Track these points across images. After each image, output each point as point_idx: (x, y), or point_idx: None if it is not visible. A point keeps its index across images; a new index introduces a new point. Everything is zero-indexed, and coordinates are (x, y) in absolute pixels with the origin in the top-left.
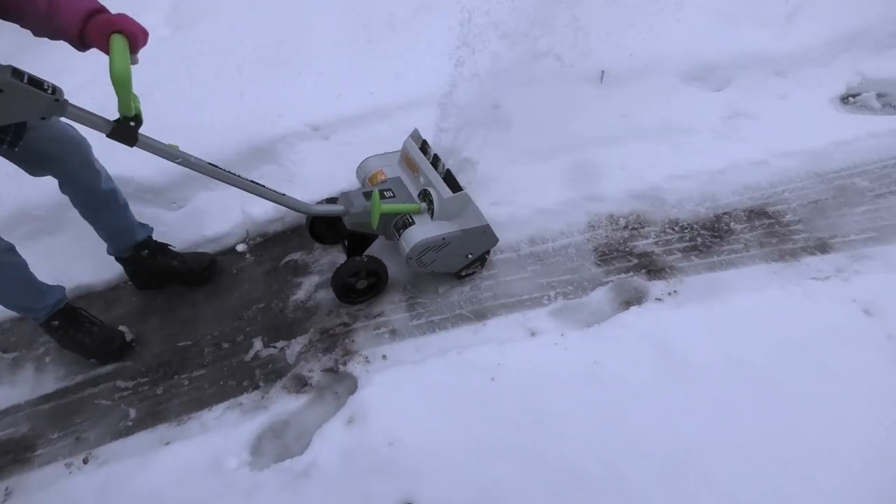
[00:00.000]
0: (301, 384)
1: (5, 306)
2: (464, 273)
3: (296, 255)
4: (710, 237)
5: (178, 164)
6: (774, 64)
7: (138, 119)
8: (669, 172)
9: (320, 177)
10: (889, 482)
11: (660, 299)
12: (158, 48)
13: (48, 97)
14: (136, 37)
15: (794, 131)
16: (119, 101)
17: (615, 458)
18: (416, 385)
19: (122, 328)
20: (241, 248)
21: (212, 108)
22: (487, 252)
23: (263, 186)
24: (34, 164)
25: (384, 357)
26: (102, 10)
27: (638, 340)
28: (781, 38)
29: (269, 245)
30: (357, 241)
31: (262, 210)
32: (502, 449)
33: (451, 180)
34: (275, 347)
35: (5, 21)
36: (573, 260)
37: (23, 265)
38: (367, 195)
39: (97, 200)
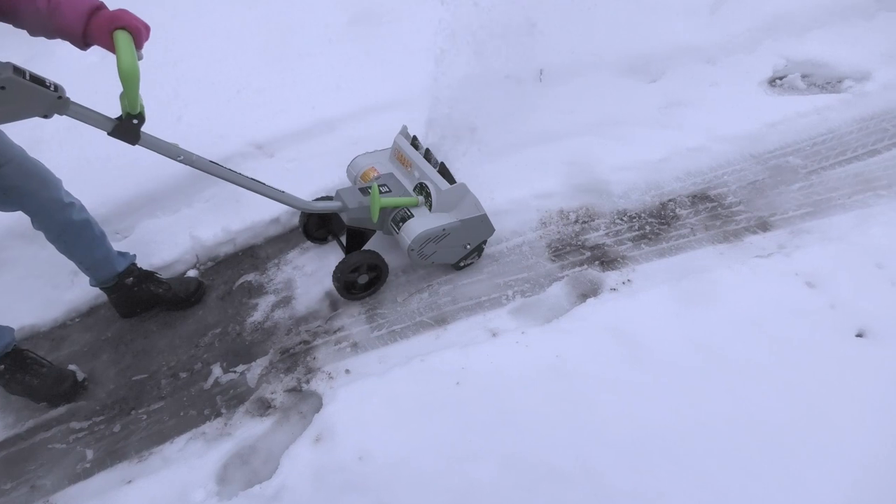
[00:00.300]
0: (265, 407)
1: None
2: (462, 264)
3: (249, 277)
4: (657, 224)
5: (180, 161)
6: (704, 53)
7: (142, 117)
8: (614, 164)
9: None
10: (842, 443)
11: (615, 289)
12: (87, 75)
13: (51, 94)
14: (139, 31)
15: (728, 116)
16: (127, 98)
17: (585, 449)
18: (381, 397)
19: (71, 367)
20: (192, 273)
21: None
22: (484, 242)
23: (263, 183)
24: (3, 199)
25: (347, 371)
26: (102, 6)
27: (597, 331)
28: (708, 28)
29: (220, 268)
30: (355, 236)
31: (210, 233)
32: (473, 452)
33: (445, 173)
34: (235, 372)
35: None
36: (528, 258)
37: None
38: (364, 191)
39: (71, 233)
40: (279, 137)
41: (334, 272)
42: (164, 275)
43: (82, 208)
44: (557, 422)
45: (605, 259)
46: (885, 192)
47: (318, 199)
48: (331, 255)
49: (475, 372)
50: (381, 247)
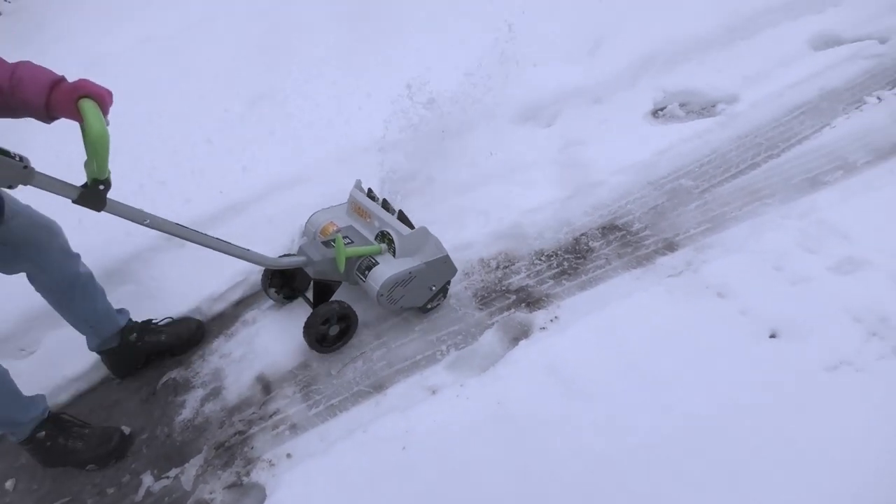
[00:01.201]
0: None
1: None
2: (429, 306)
3: (173, 374)
4: (574, 259)
5: (146, 225)
6: (590, 93)
7: (108, 182)
8: (524, 208)
9: (184, 288)
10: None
11: (544, 328)
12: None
13: (17, 164)
14: (103, 98)
15: (621, 149)
16: (96, 164)
17: (535, 491)
18: (327, 476)
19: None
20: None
21: None
22: (448, 282)
23: (229, 243)
24: (13, 256)
25: (289, 455)
26: (63, 79)
27: (533, 372)
28: (590, 71)
29: (140, 370)
30: (321, 290)
31: None
32: None
33: (405, 219)
34: (168, 478)
35: None
36: (456, 310)
37: (5, 373)
38: (327, 244)
39: (78, 286)
40: (188, 226)
41: (305, 327)
42: (78, 387)
43: (81, 260)
44: (507, 469)
45: (530, 300)
46: (770, 201)
47: (281, 257)
48: (256, 339)
49: (419, 433)
50: (347, 299)
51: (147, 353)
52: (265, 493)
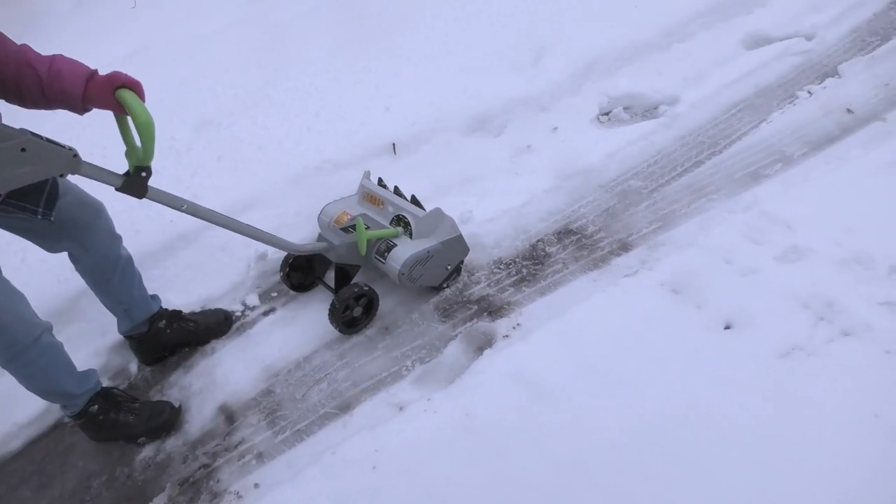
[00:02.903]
0: None
1: (43, 395)
2: (445, 285)
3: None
4: (532, 266)
5: (184, 211)
6: (536, 102)
7: (150, 170)
8: (480, 218)
9: None
10: (730, 427)
11: (507, 336)
12: None
13: (68, 153)
14: (139, 87)
15: (570, 154)
16: (144, 151)
17: (507, 499)
18: (296, 503)
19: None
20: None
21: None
22: (461, 262)
23: (259, 230)
24: (58, 235)
25: (256, 486)
26: (97, 71)
27: (499, 380)
28: (535, 80)
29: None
30: (342, 275)
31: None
32: None
33: (417, 203)
34: None
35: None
36: (419, 324)
37: (62, 346)
38: (346, 230)
39: (118, 269)
40: (138, 258)
41: (330, 313)
42: (32, 432)
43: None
44: (478, 480)
45: (491, 309)
46: (715, 196)
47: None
48: (216, 370)
49: (389, 451)
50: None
51: (175, 342)
52: None
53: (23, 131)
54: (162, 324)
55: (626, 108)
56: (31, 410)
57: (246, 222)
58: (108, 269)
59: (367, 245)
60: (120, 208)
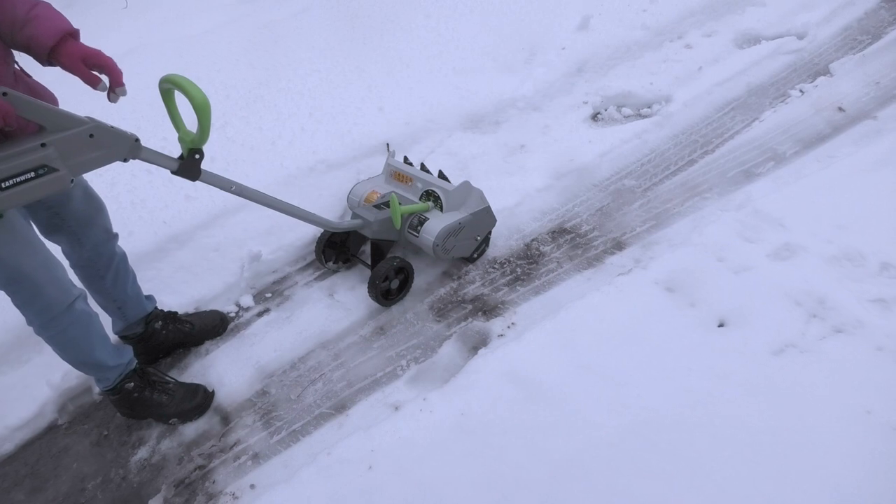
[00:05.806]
0: None
1: (77, 366)
2: (475, 255)
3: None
4: (527, 265)
5: (232, 192)
6: (529, 102)
7: (202, 153)
8: None
9: None
10: (725, 424)
11: (502, 335)
12: None
13: (131, 138)
14: (115, 71)
15: (564, 154)
16: (200, 132)
17: (503, 498)
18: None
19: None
20: (61, 421)
21: None
22: (489, 233)
23: (299, 208)
24: (56, 224)
25: (252, 487)
26: (77, 33)
27: (494, 380)
28: (528, 80)
29: (92, 412)
30: (377, 250)
31: (74, 375)
32: None
33: (444, 178)
34: None
35: None
36: (414, 324)
37: (97, 316)
38: (378, 207)
39: (112, 267)
40: (132, 260)
41: (369, 285)
42: (24, 435)
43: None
44: (473, 479)
45: (486, 308)
46: (709, 195)
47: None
48: (210, 371)
49: (385, 451)
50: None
51: (171, 343)
52: None
53: (90, 118)
54: (158, 325)
55: (619, 108)
56: (23, 413)
57: (290, 203)
58: (101, 266)
59: (402, 220)
60: (113, 209)
